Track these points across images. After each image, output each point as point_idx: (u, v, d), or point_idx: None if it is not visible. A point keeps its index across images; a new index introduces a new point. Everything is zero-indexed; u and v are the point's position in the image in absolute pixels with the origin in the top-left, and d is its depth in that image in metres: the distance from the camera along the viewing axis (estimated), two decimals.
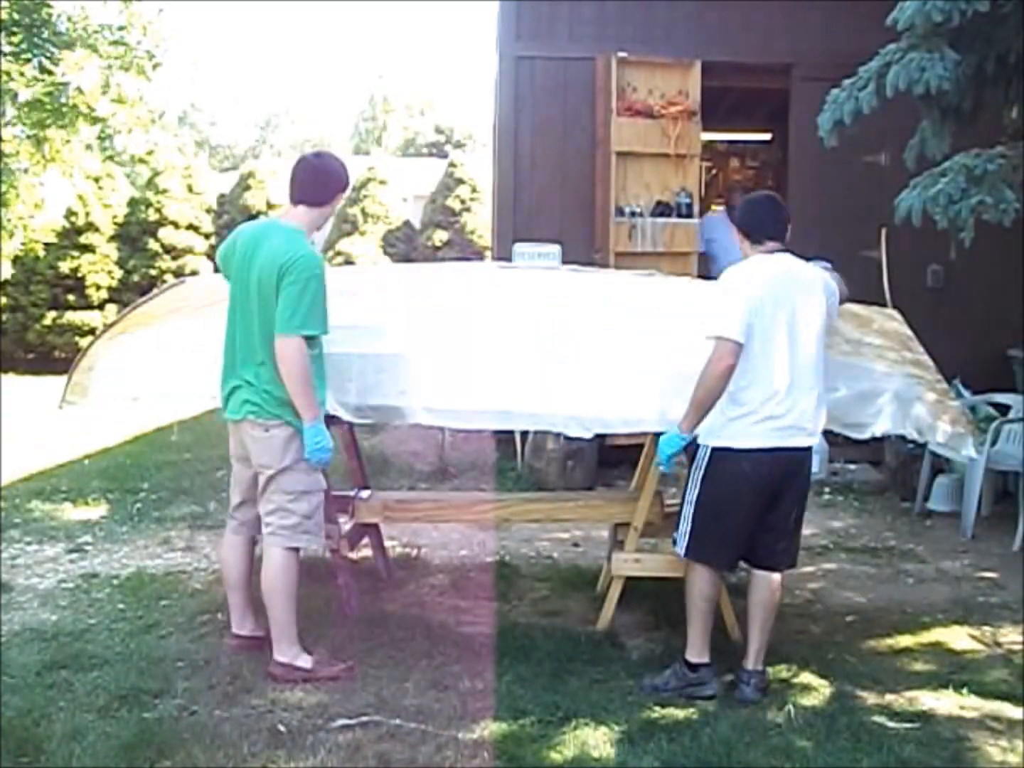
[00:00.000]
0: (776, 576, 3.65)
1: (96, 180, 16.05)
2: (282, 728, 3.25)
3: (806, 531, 5.77)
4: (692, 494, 3.62)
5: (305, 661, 3.66)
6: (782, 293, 3.50)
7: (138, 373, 4.36)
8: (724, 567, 3.70)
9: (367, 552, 4.86)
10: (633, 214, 7.18)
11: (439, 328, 4.14)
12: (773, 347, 3.46)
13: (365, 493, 4.60)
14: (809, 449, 3.57)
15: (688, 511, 3.62)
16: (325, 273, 3.71)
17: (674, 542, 3.70)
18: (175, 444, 7.95)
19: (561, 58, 7.38)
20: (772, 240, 3.63)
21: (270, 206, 17.32)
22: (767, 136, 10.92)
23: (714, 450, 3.54)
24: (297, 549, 3.75)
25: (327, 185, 3.75)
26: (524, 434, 6.92)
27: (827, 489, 6.78)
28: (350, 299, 4.41)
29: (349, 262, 17.09)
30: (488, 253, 14.84)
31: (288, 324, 3.54)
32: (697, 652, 3.59)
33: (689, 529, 3.62)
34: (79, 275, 15.54)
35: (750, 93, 9.02)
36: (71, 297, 15.57)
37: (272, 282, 3.58)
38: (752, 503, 3.53)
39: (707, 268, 7.25)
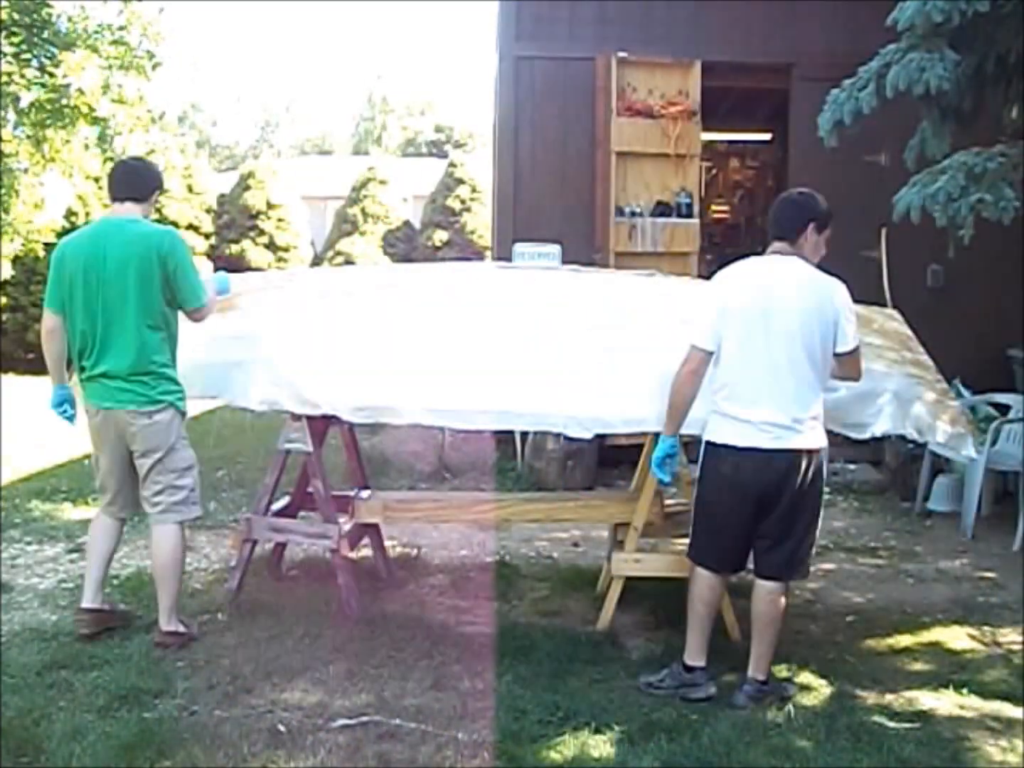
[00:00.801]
0: (774, 585, 3.55)
1: (96, 180, 16.04)
2: (282, 728, 3.25)
3: None
4: (695, 492, 3.65)
5: (183, 627, 3.98)
6: (759, 295, 3.47)
7: None
8: (723, 571, 3.63)
9: (367, 552, 4.86)
10: (633, 214, 7.19)
11: (439, 328, 4.14)
12: (751, 349, 3.43)
13: (365, 493, 4.61)
14: (800, 454, 3.43)
15: (693, 511, 3.66)
16: None
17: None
18: None
19: (561, 58, 7.38)
20: (778, 240, 3.61)
21: (270, 206, 17.33)
22: (767, 136, 10.93)
23: (705, 445, 3.56)
24: (181, 524, 4.01)
25: (148, 183, 4.06)
26: (524, 434, 6.92)
27: (827, 489, 6.74)
28: (350, 299, 4.42)
29: (349, 262, 17.09)
30: (488, 253, 14.85)
31: (201, 296, 3.94)
32: (693, 655, 3.58)
33: (692, 530, 3.64)
34: None
35: (750, 93, 9.03)
36: None
37: (154, 267, 3.80)
38: (736, 504, 3.48)
39: (706, 269, 7.25)
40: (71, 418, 4.09)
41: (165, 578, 3.97)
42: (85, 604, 4.03)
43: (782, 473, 3.44)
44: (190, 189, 17.02)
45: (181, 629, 3.96)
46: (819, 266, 3.62)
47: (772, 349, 3.41)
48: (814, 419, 3.49)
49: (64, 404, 4.07)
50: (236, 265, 15.78)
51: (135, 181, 4.02)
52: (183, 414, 4.01)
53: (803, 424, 3.44)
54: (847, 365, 3.58)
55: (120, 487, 4.06)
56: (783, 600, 3.59)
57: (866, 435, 4.10)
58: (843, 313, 3.50)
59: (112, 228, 3.91)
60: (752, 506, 3.48)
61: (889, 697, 3.58)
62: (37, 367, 4.26)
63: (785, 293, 3.46)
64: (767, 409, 3.41)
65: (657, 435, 3.73)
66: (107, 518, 4.12)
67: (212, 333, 4.29)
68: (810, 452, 3.47)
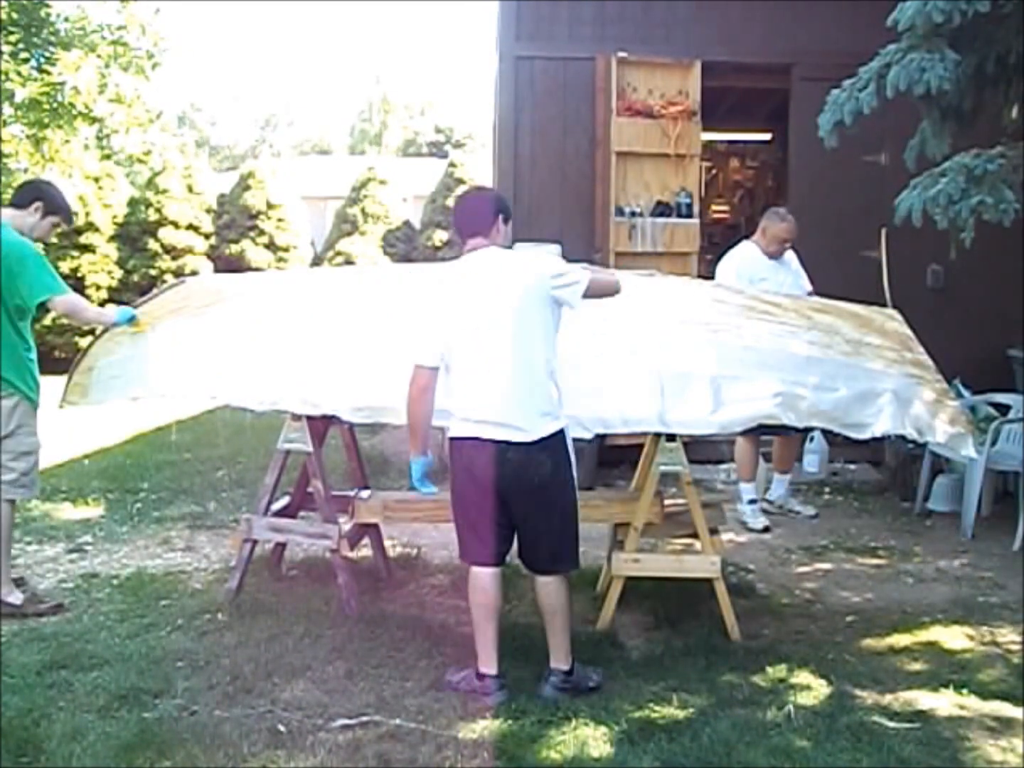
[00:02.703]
0: (547, 579, 3.56)
1: (96, 180, 16.06)
2: (282, 728, 3.25)
3: (806, 530, 5.83)
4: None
5: (16, 599, 4.29)
6: (467, 294, 3.48)
7: (138, 373, 4.37)
8: (482, 563, 3.55)
9: (367, 552, 4.86)
10: (633, 214, 7.19)
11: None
12: (465, 351, 3.45)
13: (365, 493, 4.60)
14: (528, 446, 3.39)
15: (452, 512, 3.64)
16: None
17: None
18: (175, 444, 7.96)
19: (561, 58, 7.38)
20: (472, 237, 3.60)
21: (270, 206, 17.33)
22: (767, 136, 10.93)
23: (449, 440, 3.56)
24: (13, 501, 4.36)
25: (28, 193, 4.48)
26: None
27: (827, 489, 6.78)
28: (349, 299, 4.43)
29: (349, 262, 17.10)
30: None
31: (60, 284, 4.33)
32: (482, 662, 3.52)
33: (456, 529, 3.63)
34: (79, 275, 15.53)
35: (750, 93, 9.03)
36: None
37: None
38: (472, 494, 3.48)
39: (706, 269, 7.26)
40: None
41: None
42: None
43: (512, 463, 3.40)
44: (190, 189, 17.02)
45: (10, 599, 4.26)
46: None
47: (483, 345, 3.43)
48: (548, 409, 3.45)
49: None
50: (236, 265, 15.80)
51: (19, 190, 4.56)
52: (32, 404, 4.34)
53: (527, 418, 3.42)
54: (595, 294, 3.60)
55: None
56: (564, 588, 3.58)
57: (866, 435, 4.10)
58: (553, 280, 3.48)
59: None
60: (490, 496, 3.45)
61: (889, 697, 3.58)
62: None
63: (493, 284, 3.48)
64: (483, 402, 3.42)
65: (657, 436, 3.71)
66: None
67: (211, 333, 4.29)
68: (543, 442, 3.42)
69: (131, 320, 4.43)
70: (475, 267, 3.55)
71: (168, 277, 15.28)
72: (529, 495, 3.46)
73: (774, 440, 6.11)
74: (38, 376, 4.37)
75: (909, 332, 4.38)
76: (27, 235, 4.33)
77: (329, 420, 4.33)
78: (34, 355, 4.37)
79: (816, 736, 3.24)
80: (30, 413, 4.32)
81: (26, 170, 11.34)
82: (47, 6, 10.59)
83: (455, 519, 3.62)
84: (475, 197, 3.86)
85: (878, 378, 4.05)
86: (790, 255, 6.13)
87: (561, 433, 3.49)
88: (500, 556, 3.58)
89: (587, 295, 3.55)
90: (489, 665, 3.51)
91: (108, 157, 13.00)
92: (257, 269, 14.83)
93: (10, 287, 4.20)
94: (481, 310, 3.45)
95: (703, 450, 6.58)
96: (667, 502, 4.42)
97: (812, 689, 3.62)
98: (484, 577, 3.55)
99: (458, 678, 3.56)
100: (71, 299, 4.40)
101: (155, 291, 4.88)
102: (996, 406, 6.36)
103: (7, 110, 10.61)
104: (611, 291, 3.70)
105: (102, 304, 15.58)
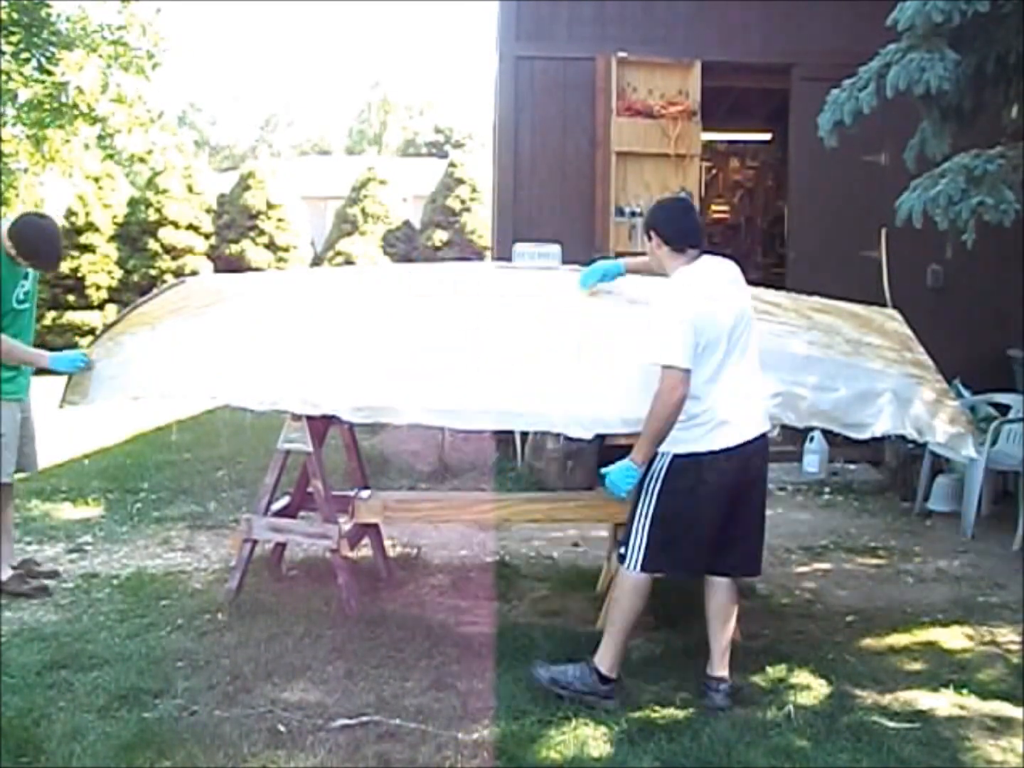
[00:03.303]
0: (729, 581, 3.58)
1: (96, 180, 16.07)
2: (282, 728, 3.24)
3: (805, 530, 5.83)
4: (647, 507, 3.48)
5: (5, 573, 4.48)
6: (721, 302, 3.47)
7: (138, 373, 4.36)
8: (689, 577, 3.57)
9: (367, 552, 4.86)
10: (633, 214, 7.20)
11: (439, 328, 4.13)
12: (718, 356, 3.42)
13: (365, 493, 4.61)
14: (764, 438, 3.53)
15: (642, 524, 3.47)
16: None
17: (620, 558, 3.55)
18: (174, 444, 7.96)
19: (561, 58, 7.39)
20: (693, 248, 3.59)
21: (270, 206, 17.34)
22: (767, 136, 10.93)
23: (675, 458, 3.45)
24: None
25: None
26: (524, 434, 6.92)
27: (827, 489, 6.78)
28: (349, 299, 4.42)
29: (349, 262, 17.11)
30: (488, 253, 14.85)
31: None
32: (612, 667, 3.48)
33: (644, 544, 3.47)
34: (79, 275, 15.55)
35: (750, 93, 9.04)
36: (71, 297, 15.58)
37: None
38: (716, 508, 3.45)
39: None
40: None
41: None
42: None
43: (755, 462, 3.52)
44: (190, 189, 17.04)
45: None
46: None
47: (736, 349, 3.47)
48: (763, 397, 3.64)
49: None
50: (236, 265, 15.80)
51: None
52: None
53: (765, 410, 3.60)
54: None
55: None
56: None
57: (866, 435, 4.09)
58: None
59: None
60: (730, 504, 3.47)
61: (889, 697, 3.58)
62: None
63: (734, 287, 3.58)
64: (741, 407, 3.45)
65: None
66: None
67: (211, 333, 4.29)
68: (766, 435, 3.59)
69: (77, 367, 4.39)
70: (712, 273, 3.57)
71: (168, 277, 15.29)
72: (759, 488, 3.57)
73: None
74: None
75: (909, 332, 4.38)
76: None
77: (329, 420, 4.33)
78: None
79: (816, 736, 3.24)
80: None
81: (26, 170, 11.36)
82: (48, 6, 10.60)
83: (654, 534, 3.46)
84: (690, 208, 3.85)
85: (878, 378, 4.05)
86: None
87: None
88: (703, 572, 3.61)
89: None
90: (614, 670, 3.49)
91: (111, 157, 13.01)
92: (257, 269, 14.84)
93: None
94: (734, 316, 3.47)
95: None
96: None
97: (812, 689, 3.62)
98: (646, 587, 3.50)
99: (564, 675, 3.48)
100: None
101: (155, 291, 4.88)
102: (996, 406, 6.36)
103: (8, 110, 10.62)
104: None
105: (101, 305, 15.62)
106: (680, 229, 3.61)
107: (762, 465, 3.56)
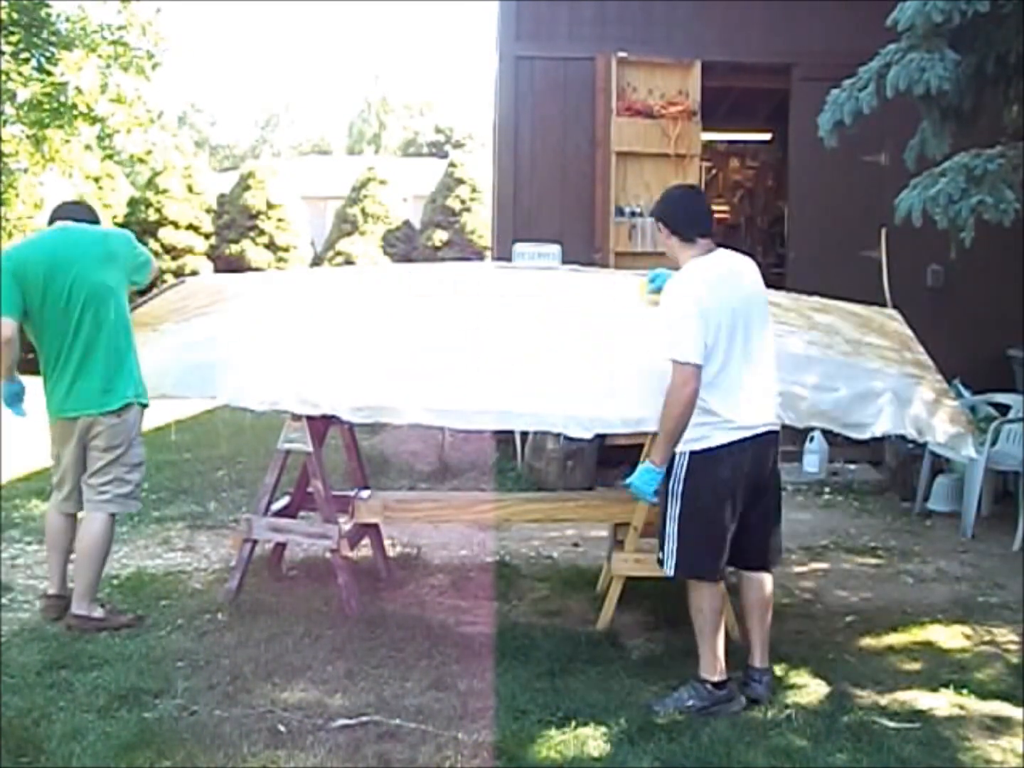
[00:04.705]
0: (762, 574, 3.60)
1: (96, 180, 16.06)
2: (282, 728, 3.25)
3: (805, 530, 5.83)
4: (674, 509, 3.45)
5: (99, 612, 4.12)
6: (729, 294, 3.44)
7: (137, 373, 4.35)
8: (717, 577, 3.52)
9: (367, 552, 4.86)
10: (633, 214, 7.20)
11: (439, 328, 4.14)
12: (732, 352, 3.41)
13: (365, 493, 4.61)
14: (776, 432, 3.55)
15: (672, 528, 3.46)
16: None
17: (660, 562, 3.52)
18: (174, 444, 7.94)
19: (561, 58, 7.39)
20: (703, 237, 3.54)
21: (270, 206, 17.33)
22: (767, 136, 10.93)
23: (692, 456, 3.42)
24: (114, 515, 4.19)
25: None
26: (524, 434, 6.92)
27: (827, 489, 6.78)
28: (349, 299, 4.43)
29: (349, 262, 17.10)
30: (488, 253, 14.84)
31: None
32: (719, 669, 3.44)
33: (676, 546, 3.46)
34: None
35: (750, 93, 9.04)
36: None
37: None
38: (735, 501, 3.44)
39: None
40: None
41: (85, 564, 4.13)
42: (53, 591, 4.28)
43: (769, 453, 3.52)
44: (190, 189, 17.02)
45: (94, 614, 4.09)
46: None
47: (750, 343, 3.45)
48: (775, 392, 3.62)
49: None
50: (236, 265, 15.79)
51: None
52: None
53: (774, 404, 3.59)
54: None
55: (74, 482, 4.22)
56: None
57: (866, 435, 4.09)
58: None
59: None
60: (749, 496, 3.47)
61: (888, 697, 3.58)
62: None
63: (750, 282, 3.55)
64: (753, 403, 3.45)
65: (654, 434, 3.67)
66: (60, 512, 4.29)
67: (210, 333, 4.29)
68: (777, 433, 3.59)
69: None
70: (725, 266, 3.53)
71: (168, 277, 15.27)
72: (772, 488, 3.56)
73: None
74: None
75: (909, 332, 4.38)
76: None
77: (329, 420, 4.33)
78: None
79: (816, 736, 3.24)
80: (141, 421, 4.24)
81: (26, 170, 11.35)
82: (47, 6, 10.60)
83: (683, 534, 3.45)
84: (699, 195, 3.79)
85: (878, 378, 4.04)
86: None
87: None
88: (725, 568, 3.56)
89: None
90: (724, 670, 3.46)
91: (110, 157, 13.01)
92: (257, 269, 14.82)
93: (123, 275, 4.18)
94: (744, 307, 3.44)
95: None
96: None
97: (812, 689, 3.63)
98: (715, 587, 3.48)
99: (679, 700, 3.42)
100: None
101: (155, 291, 4.88)
102: (996, 406, 6.36)
103: (8, 110, 10.62)
104: None
105: None
106: (687, 217, 3.56)
107: (776, 458, 3.57)
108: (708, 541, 3.46)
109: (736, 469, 3.43)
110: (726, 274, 3.51)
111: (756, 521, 3.52)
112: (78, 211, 4.40)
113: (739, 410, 3.42)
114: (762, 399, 3.50)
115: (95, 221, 4.37)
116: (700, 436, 3.41)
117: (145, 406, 4.22)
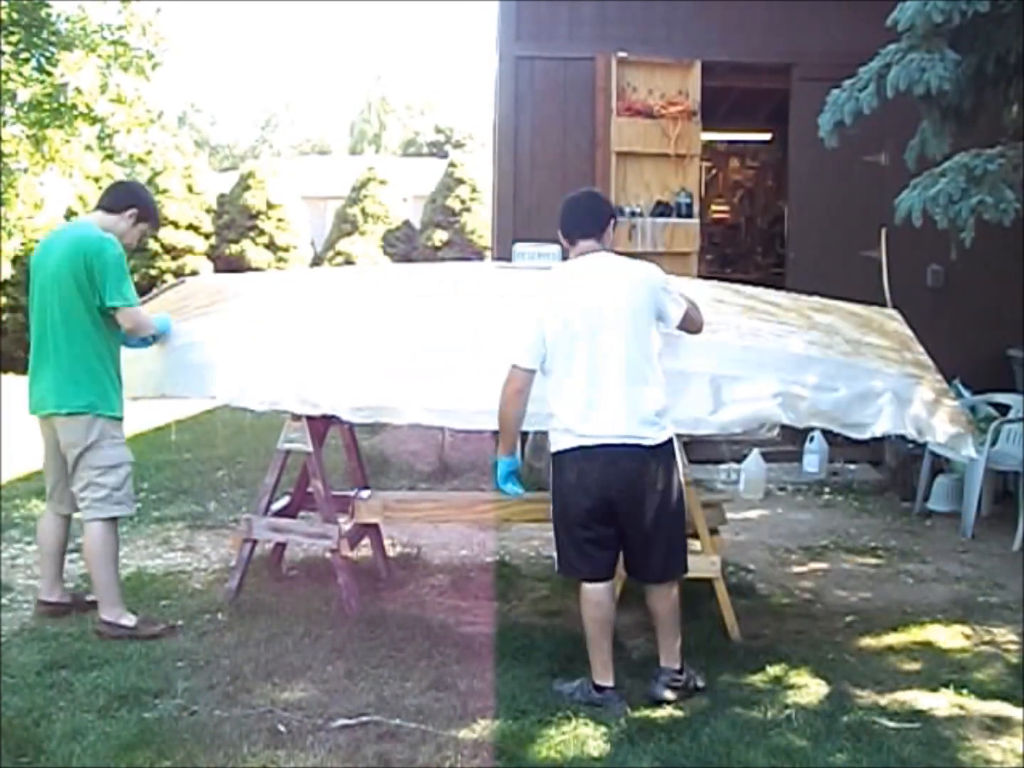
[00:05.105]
0: (659, 586, 3.54)
1: (96, 180, 16.04)
2: (282, 728, 3.25)
3: (805, 530, 5.83)
4: (550, 508, 3.54)
5: (128, 620, 4.03)
6: (583, 300, 3.41)
7: (138, 373, 4.36)
8: (593, 579, 3.48)
9: (367, 552, 4.86)
10: (633, 214, 7.20)
11: (439, 328, 4.14)
12: (575, 359, 3.38)
13: (365, 493, 4.61)
14: (640, 447, 3.36)
15: (553, 527, 3.56)
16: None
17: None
18: (174, 444, 7.95)
19: (561, 58, 7.38)
20: (584, 239, 3.53)
21: (270, 206, 17.34)
22: (767, 136, 10.93)
23: (552, 457, 3.48)
24: (114, 519, 4.09)
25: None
26: (524, 434, 6.91)
27: (827, 489, 6.78)
28: (349, 299, 4.43)
29: (349, 262, 17.10)
30: (488, 253, 14.85)
31: (134, 296, 4.12)
32: (597, 674, 3.48)
33: (556, 545, 3.54)
34: None
35: (750, 93, 9.03)
36: None
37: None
38: (595, 509, 3.39)
39: (706, 269, 7.28)
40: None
41: (94, 572, 4.13)
42: (43, 597, 4.28)
43: (626, 471, 3.37)
44: (190, 189, 17.04)
45: (122, 621, 4.02)
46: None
47: (598, 350, 3.37)
48: (657, 416, 3.42)
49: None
50: (236, 265, 15.80)
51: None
52: None
53: (647, 424, 3.39)
54: (685, 326, 3.61)
55: (55, 481, 4.24)
56: (675, 591, 3.57)
57: (866, 435, 4.09)
58: (665, 295, 3.51)
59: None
60: (601, 506, 3.38)
61: (888, 697, 3.58)
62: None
63: (609, 288, 3.44)
64: (596, 413, 3.36)
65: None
66: (51, 513, 4.31)
67: (211, 333, 4.29)
68: (654, 449, 3.40)
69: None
70: (587, 270, 3.50)
71: (168, 277, 15.28)
72: (641, 504, 3.40)
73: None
74: (119, 386, 4.12)
75: (909, 332, 4.38)
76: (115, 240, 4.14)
77: (329, 420, 4.33)
78: (113, 365, 4.11)
79: (816, 736, 3.24)
80: (113, 425, 4.07)
81: (26, 170, 11.35)
82: (47, 6, 10.61)
83: (556, 534, 3.52)
84: (590, 198, 3.72)
85: (878, 378, 4.04)
86: None
87: (670, 442, 3.47)
88: (611, 569, 3.52)
89: (680, 325, 3.59)
90: (607, 678, 3.48)
91: (110, 157, 13.00)
92: (257, 269, 14.83)
93: (90, 285, 3.99)
94: (595, 314, 3.38)
95: (703, 450, 6.58)
96: None
97: (811, 689, 3.62)
98: (599, 592, 3.48)
99: (571, 688, 3.50)
100: (138, 313, 4.14)
101: (155, 291, 4.88)
102: (996, 406, 6.36)
103: (8, 110, 10.62)
104: (697, 329, 3.69)
105: None
106: (568, 220, 3.59)
107: (644, 475, 3.38)
108: (574, 544, 3.48)
109: (583, 476, 3.39)
110: (586, 279, 3.47)
111: (634, 535, 3.46)
112: (104, 198, 4.31)
113: (579, 419, 3.38)
114: (616, 411, 3.36)
115: (111, 208, 4.21)
116: (553, 440, 3.48)
117: (114, 418, 4.07)
